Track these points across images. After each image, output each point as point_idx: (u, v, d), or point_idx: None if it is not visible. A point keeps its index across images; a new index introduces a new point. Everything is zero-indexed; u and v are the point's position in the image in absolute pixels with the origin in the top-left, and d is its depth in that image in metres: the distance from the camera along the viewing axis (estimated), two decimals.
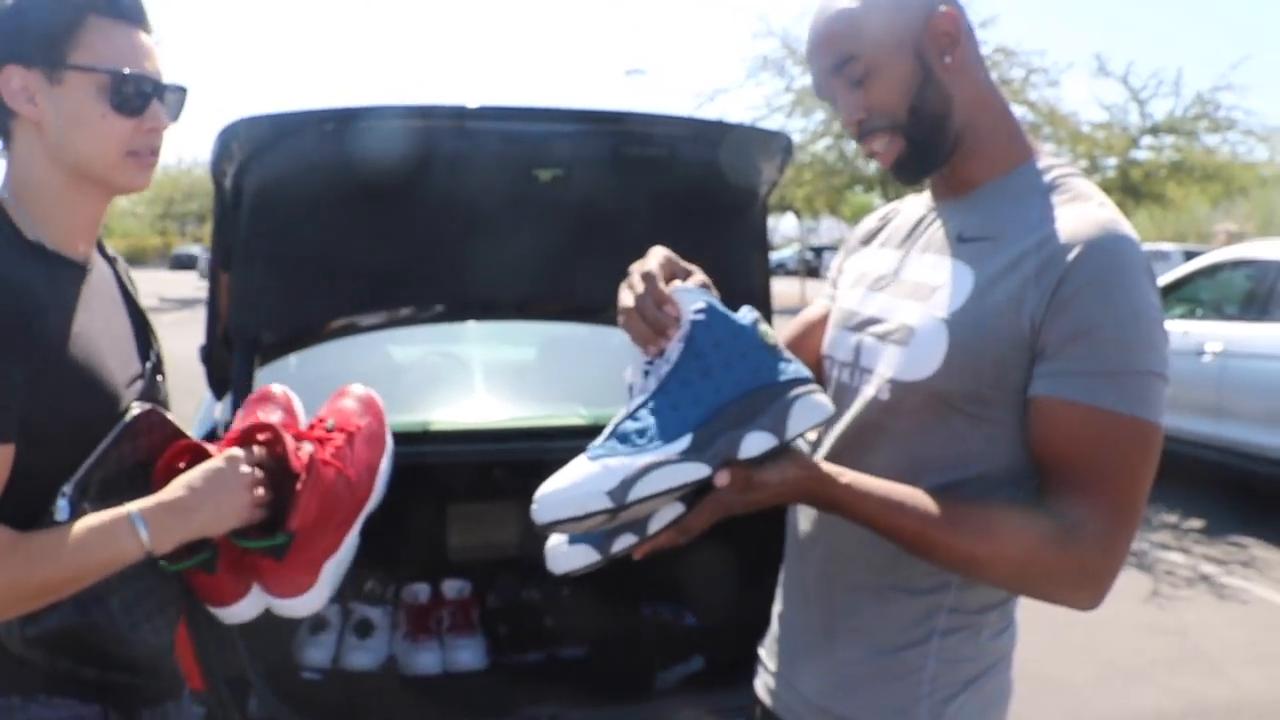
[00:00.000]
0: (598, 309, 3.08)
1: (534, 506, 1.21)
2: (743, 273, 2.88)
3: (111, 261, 1.69)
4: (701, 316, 1.29)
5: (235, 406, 2.65)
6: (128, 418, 1.50)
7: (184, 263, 42.20)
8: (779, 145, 2.58)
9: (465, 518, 3.37)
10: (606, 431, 1.28)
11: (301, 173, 2.45)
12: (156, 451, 1.54)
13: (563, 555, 1.33)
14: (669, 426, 1.24)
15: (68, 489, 1.42)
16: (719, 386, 1.26)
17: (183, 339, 3.22)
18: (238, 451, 1.55)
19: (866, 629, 1.47)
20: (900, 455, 1.42)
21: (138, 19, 1.49)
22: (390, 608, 3.16)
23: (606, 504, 1.19)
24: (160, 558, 1.46)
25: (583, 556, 1.31)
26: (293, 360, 3.20)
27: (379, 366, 3.82)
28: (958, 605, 1.42)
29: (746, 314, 1.32)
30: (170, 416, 1.59)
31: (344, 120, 2.40)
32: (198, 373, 2.76)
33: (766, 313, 2.97)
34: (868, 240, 1.69)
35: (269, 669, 2.47)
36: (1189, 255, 18.68)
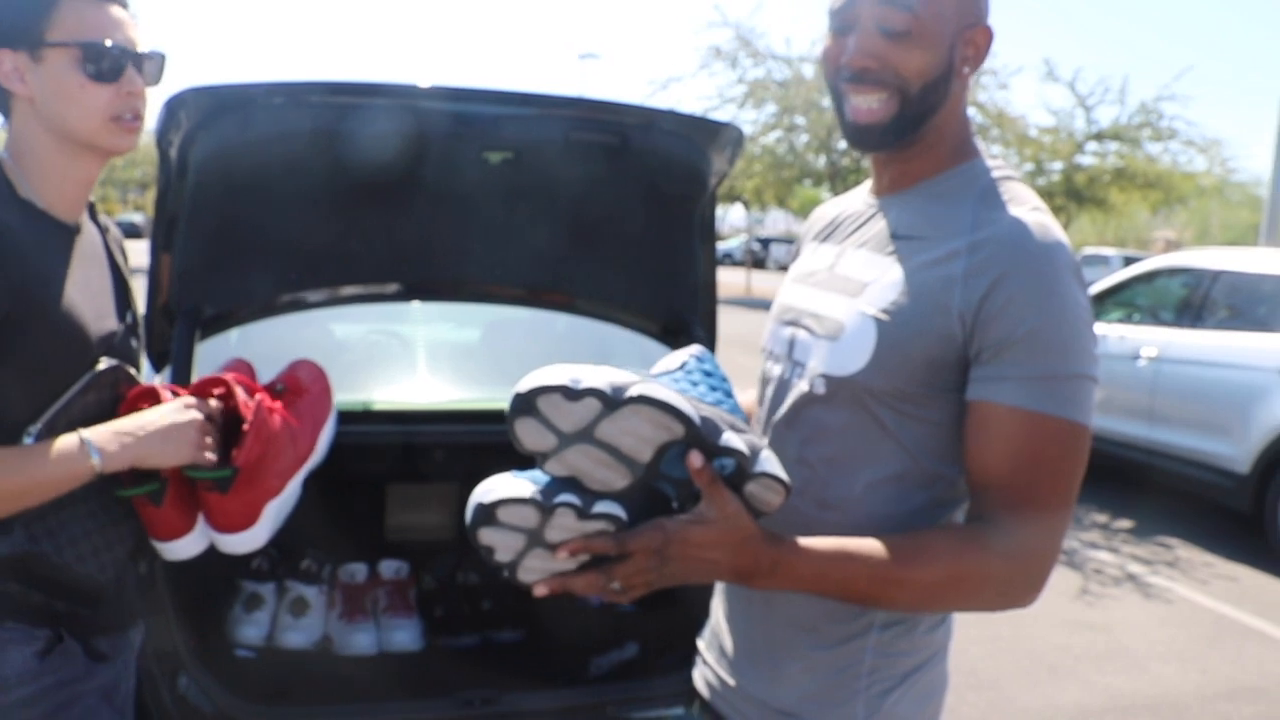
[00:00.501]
0: (544, 292, 3.08)
1: (532, 374, 1.21)
2: (689, 263, 2.90)
3: (103, 230, 1.81)
4: (699, 352, 1.43)
5: (175, 379, 2.62)
6: (96, 369, 1.63)
7: (125, 231, 41.63)
8: (730, 137, 2.59)
9: (404, 498, 3.35)
10: None
11: (248, 145, 2.42)
12: (108, 411, 1.65)
13: (501, 483, 1.28)
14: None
15: (34, 429, 1.55)
16: (705, 396, 1.33)
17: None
18: (190, 398, 1.72)
19: (805, 623, 1.47)
20: (830, 449, 1.44)
21: None
22: (326, 587, 3.14)
23: (604, 388, 1.19)
24: (110, 480, 1.61)
25: (520, 489, 1.26)
26: (234, 335, 3.17)
27: (320, 344, 3.78)
28: None
29: None
30: (134, 374, 1.72)
31: (294, 94, 2.38)
32: None
33: (711, 303, 2.99)
34: (814, 237, 1.69)
35: (201, 645, 2.44)
36: (1128, 260, 19.01)
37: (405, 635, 3.00)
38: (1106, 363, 7.49)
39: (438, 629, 3.08)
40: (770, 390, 1.57)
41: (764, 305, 23.28)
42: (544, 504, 1.25)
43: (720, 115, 19.46)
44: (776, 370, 1.57)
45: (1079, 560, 6.12)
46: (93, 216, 1.79)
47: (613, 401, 1.20)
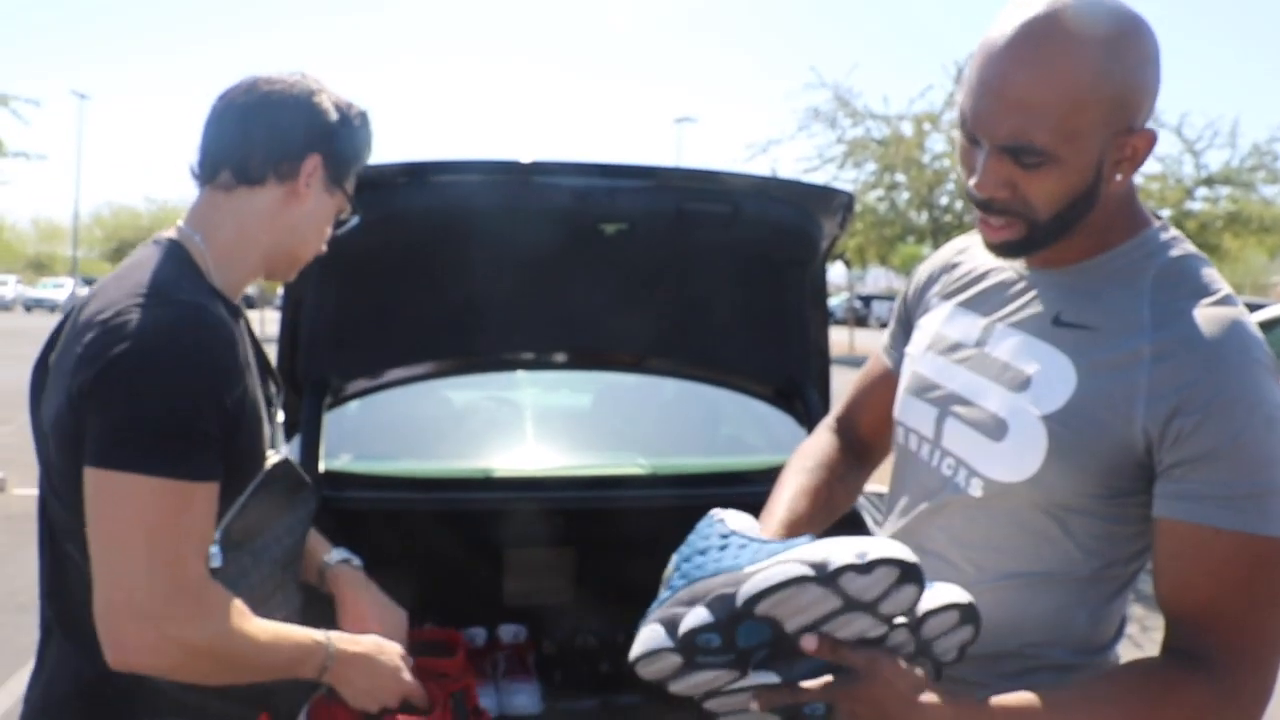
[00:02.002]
0: (657, 358, 3.13)
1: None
2: (800, 326, 2.92)
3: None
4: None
5: (304, 448, 2.73)
6: (266, 468, 1.57)
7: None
8: (840, 203, 2.62)
9: (522, 563, 3.40)
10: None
11: (373, 224, 2.51)
12: (280, 500, 1.62)
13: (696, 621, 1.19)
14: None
15: (218, 536, 1.49)
16: None
17: None
18: (421, 698, 1.76)
19: None
20: (980, 546, 1.35)
21: None
22: None
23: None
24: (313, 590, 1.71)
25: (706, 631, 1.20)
26: (355, 404, 3.27)
27: (438, 411, 3.88)
28: None
29: None
30: (293, 467, 1.66)
31: (416, 174, 2.48)
32: None
33: (824, 366, 3.00)
34: (946, 294, 1.53)
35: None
36: (1248, 308, 18.38)
37: (525, 699, 3.02)
38: None
39: (557, 692, 3.10)
40: (911, 473, 1.47)
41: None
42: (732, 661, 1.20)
43: (820, 176, 19.52)
44: (919, 451, 1.46)
45: None
46: None
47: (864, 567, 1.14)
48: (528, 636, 3.24)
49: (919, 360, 1.50)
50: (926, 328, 1.53)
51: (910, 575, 1.15)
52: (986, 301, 1.44)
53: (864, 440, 1.73)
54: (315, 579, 1.86)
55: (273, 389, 1.72)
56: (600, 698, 3.12)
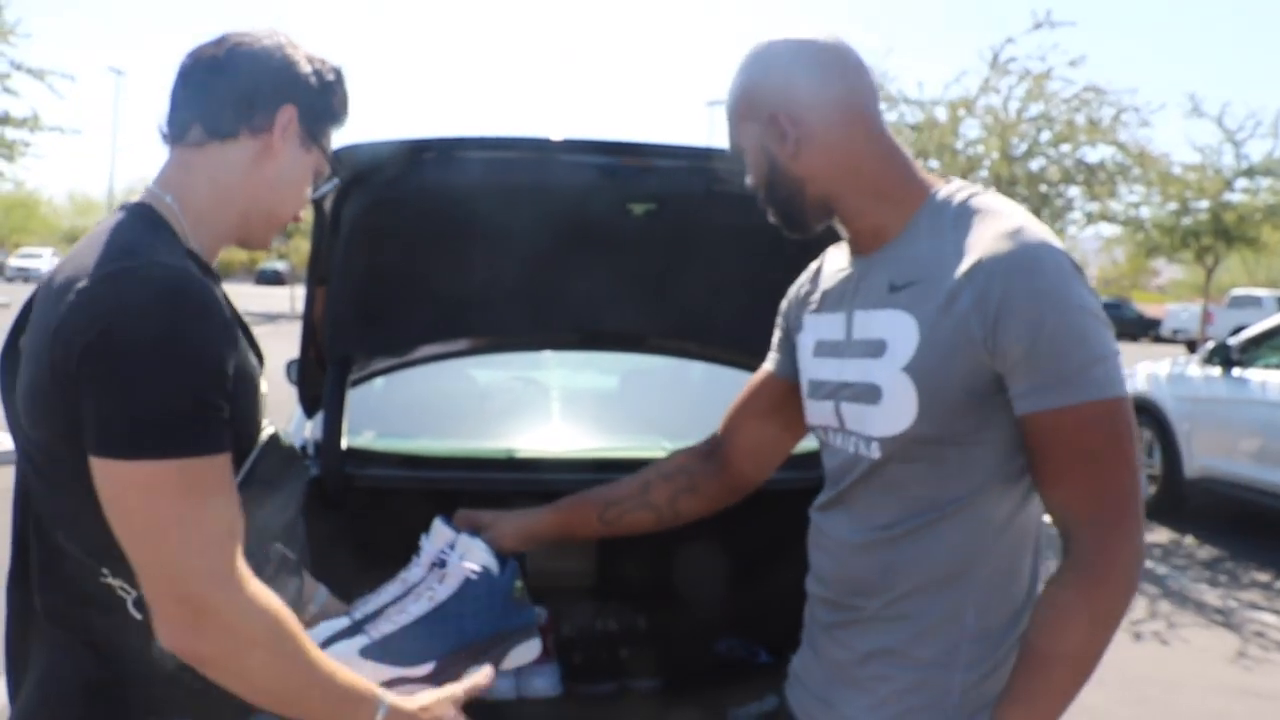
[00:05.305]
0: (684, 341, 3.09)
1: None
2: None
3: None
4: (475, 576, 1.68)
5: (327, 425, 2.72)
6: (263, 439, 1.48)
7: (269, 278, 43.37)
8: None
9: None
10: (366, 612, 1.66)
11: (399, 200, 2.50)
12: (275, 473, 1.51)
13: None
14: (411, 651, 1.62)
15: None
16: (464, 629, 1.66)
17: (269, 353, 3.29)
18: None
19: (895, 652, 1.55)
20: (904, 500, 1.52)
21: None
22: None
23: None
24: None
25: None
26: (379, 382, 3.26)
27: (463, 391, 3.87)
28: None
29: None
30: (284, 437, 1.55)
31: (443, 150, 2.45)
32: (281, 384, 2.82)
33: None
34: (809, 308, 1.75)
35: None
36: None
37: (544, 681, 3.01)
38: (1263, 411, 7.15)
39: (576, 675, 3.09)
40: (831, 459, 1.66)
41: None
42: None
43: None
44: (833, 441, 1.65)
45: (1236, 621, 5.77)
46: None
47: None
48: (547, 619, 3.23)
49: (808, 369, 1.71)
50: (805, 342, 1.73)
51: None
52: (839, 298, 1.65)
53: (724, 437, 1.99)
54: None
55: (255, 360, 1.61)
56: (619, 682, 3.10)
